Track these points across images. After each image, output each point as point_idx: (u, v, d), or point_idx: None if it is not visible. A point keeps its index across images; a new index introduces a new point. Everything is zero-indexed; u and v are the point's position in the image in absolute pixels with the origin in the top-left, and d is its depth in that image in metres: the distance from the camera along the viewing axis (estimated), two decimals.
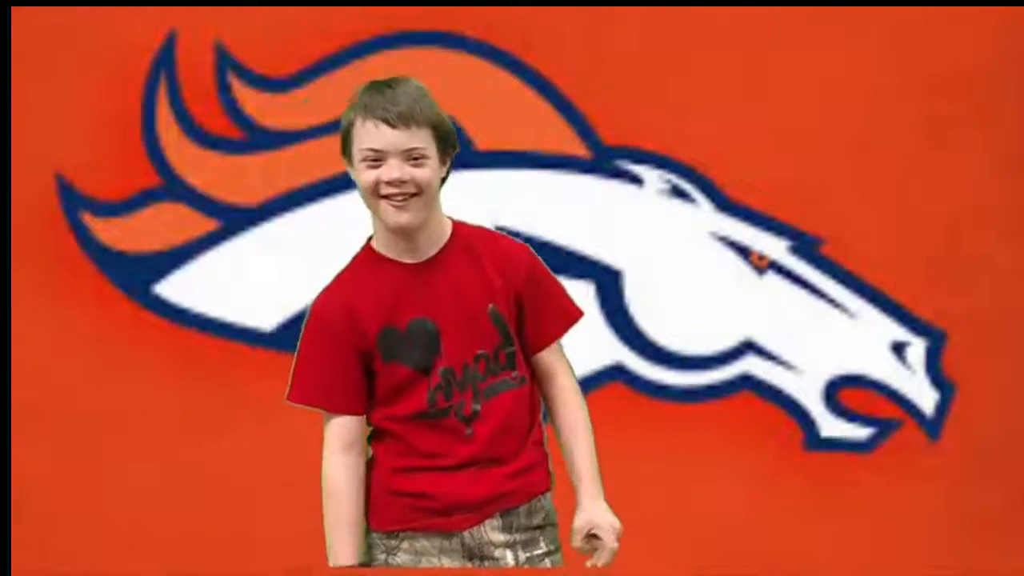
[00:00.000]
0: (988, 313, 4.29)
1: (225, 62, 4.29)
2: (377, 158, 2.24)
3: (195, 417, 4.26)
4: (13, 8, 4.22)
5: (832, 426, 4.30)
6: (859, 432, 4.31)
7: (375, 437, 2.37)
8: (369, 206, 2.29)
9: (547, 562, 2.34)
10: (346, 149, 2.31)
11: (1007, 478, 4.27)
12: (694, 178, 4.29)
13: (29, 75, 4.25)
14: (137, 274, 4.28)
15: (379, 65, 4.31)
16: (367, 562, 2.32)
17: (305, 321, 2.35)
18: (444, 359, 2.28)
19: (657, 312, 4.30)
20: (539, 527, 2.34)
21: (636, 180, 4.27)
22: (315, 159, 4.29)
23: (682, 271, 4.32)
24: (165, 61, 4.28)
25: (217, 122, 4.29)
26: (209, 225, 4.31)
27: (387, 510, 2.31)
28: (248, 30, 4.29)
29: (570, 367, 2.42)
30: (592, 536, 2.32)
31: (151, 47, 4.28)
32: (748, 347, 4.30)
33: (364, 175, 2.25)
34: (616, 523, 2.31)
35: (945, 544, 4.26)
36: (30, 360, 4.23)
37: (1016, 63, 4.28)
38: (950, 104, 4.27)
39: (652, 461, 4.22)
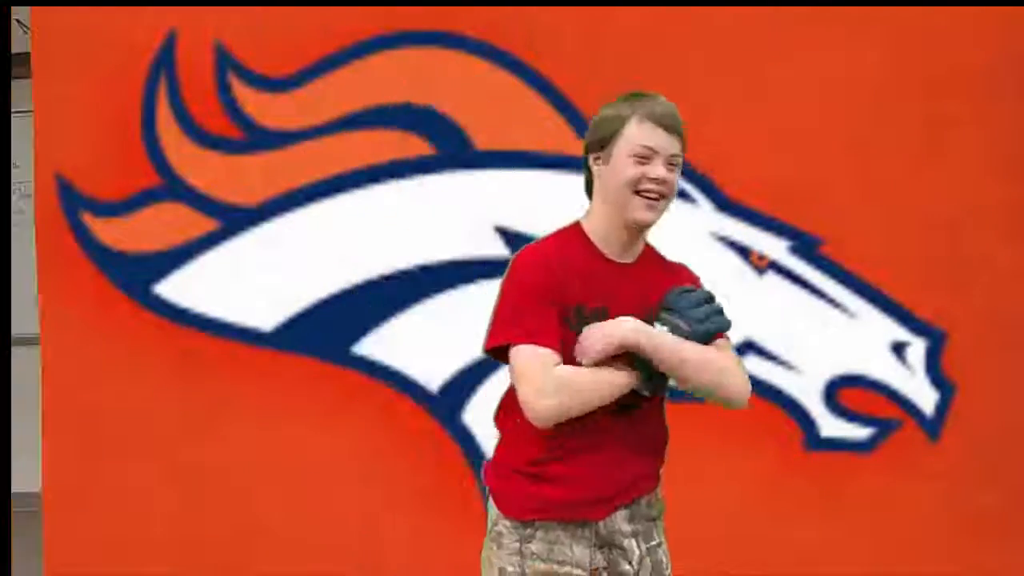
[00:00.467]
0: (988, 313, 4.29)
1: (225, 62, 4.30)
2: (647, 156, 2.44)
3: (195, 417, 4.27)
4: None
5: (832, 426, 4.31)
6: (859, 432, 4.31)
7: (502, 417, 2.51)
8: (617, 198, 2.45)
9: (659, 552, 2.50)
10: (604, 144, 2.48)
11: (1007, 478, 4.27)
12: (694, 178, 4.29)
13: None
14: (137, 274, 4.29)
15: (379, 65, 4.31)
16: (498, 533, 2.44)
17: (510, 273, 2.45)
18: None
19: None
20: (654, 519, 2.51)
21: None
22: (315, 159, 4.30)
23: None
24: (165, 61, 4.29)
25: (217, 122, 4.30)
26: (209, 225, 4.31)
27: (523, 500, 2.43)
28: (248, 30, 4.29)
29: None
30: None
31: (151, 47, 4.28)
32: (748, 347, 4.30)
33: (630, 170, 2.43)
34: (610, 332, 2.36)
35: (945, 544, 4.27)
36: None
37: (1016, 63, 4.28)
38: (950, 104, 4.27)
39: None
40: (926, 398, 4.30)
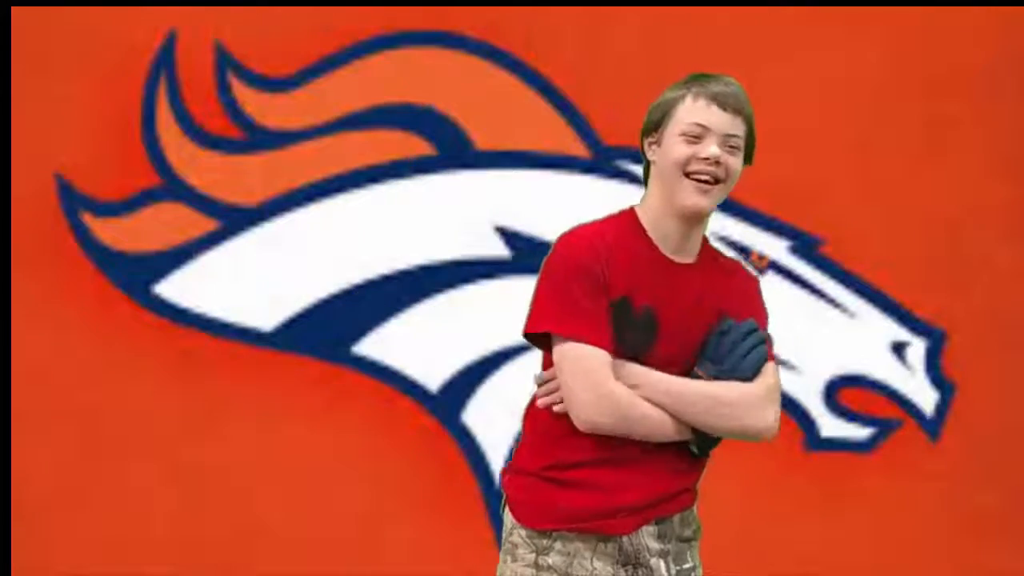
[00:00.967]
0: (988, 313, 4.29)
1: (225, 62, 4.29)
2: (699, 135, 2.22)
3: (195, 417, 4.26)
4: (13, 8, 4.22)
5: (832, 426, 4.30)
6: (859, 432, 4.31)
7: (530, 417, 2.27)
8: (667, 183, 2.24)
9: None
10: (658, 125, 2.28)
11: (1007, 478, 4.27)
12: None
13: (29, 75, 4.25)
14: (137, 274, 4.29)
15: (379, 65, 4.31)
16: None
17: (553, 254, 2.23)
18: (653, 358, 2.21)
19: None
20: (688, 540, 2.27)
21: (636, 180, 4.26)
22: (315, 159, 4.30)
23: None
24: (165, 61, 4.28)
25: (217, 122, 4.30)
26: (209, 225, 4.31)
27: (541, 508, 2.21)
28: (248, 30, 4.29)
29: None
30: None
31: (151, 47, 4.28)
32: None
33: (678, 148, 2.22)
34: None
35: (945, 544, 4.27)
36: (30, 360, 4.23)
37: (1016, 63, 4.28)
38: (950, 104, 4.27)
39: None
40: (926, 398, 4.30)
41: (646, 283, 2.21)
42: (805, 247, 4.31)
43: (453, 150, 4.28)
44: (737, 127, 2.25)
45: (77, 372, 4.26)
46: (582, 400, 2.14)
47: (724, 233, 4.29)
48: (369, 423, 4.27)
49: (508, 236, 4.23)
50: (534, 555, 2.19)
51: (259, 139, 4.31)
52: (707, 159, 2.21)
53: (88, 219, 4.27)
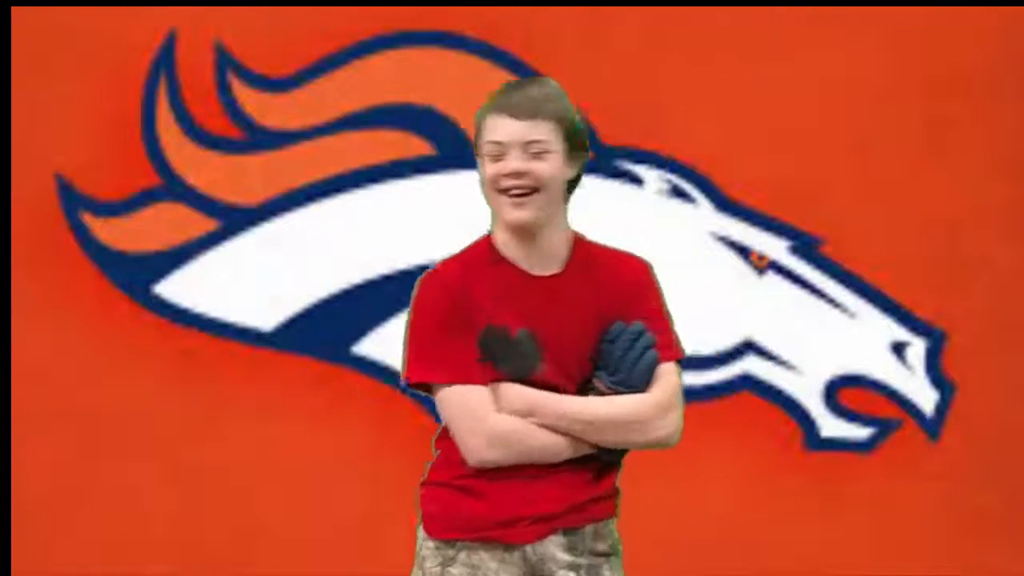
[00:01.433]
0: (988, 313, 4.29)
1: (225, 62, 4.29)
2: (500, 152, 2.16)
3: (195, 417, 4.26)
4: (13, 8, 4.22)
5: (832, 426, 4.30)
6: (859, 432, 4.31)
7: (443, 437, 2.26)
8: (490, 204, 2.22)
9: None
10: (477, 148, 2.22)
11: (1007, 478, 4.27)
12: (694, 178, 4.29)
13: (29, 75, 4.25)
14: (137, 274, 4.29)
15: (379, 65, 4.31)
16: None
17: (415, 301, 2.22)
18: (545, 378, 2.17)
19: None
20: (605, 554, 2.20)
21: (636, 180, 4.27)
22: (315, 159, 4.30)
23: (682, 271, 4.31)
24: (165, 61, 4.28)
25: (217, 122, 4.30)
26: (209, 225, 4.31)
27: (446, 517, 2.19)
28: (248, 30, 4.29)
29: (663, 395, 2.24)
30: None
31: (151, 47, 4.28)
32: (748, 347, 4.30)
33: (487, 167, 2.18)
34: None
35: (945, 544, 4.26)
36: (30, 360, 4.23)
37: (1016, 63, 4.28)
38: (950, 104, 4.27)
39: (652, 461, 4.21)
40: (926, 398, 4.30)
41: (514, 305, 2.17)
42: (805, 247, 4.31)
43: (453, 150, 4.28)
44: (537, 131, 2.16)
45: (77, 372, 4.26)
46: (472, 443, 2.15)
47: (724, 233, 4.29)
48: (369, 423, 4.27)
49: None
50: (440, 567, 2.17)
51: (259, 139, 4.31)
52: (511, 173, 2.15)
53: (88, 219, 4.27)
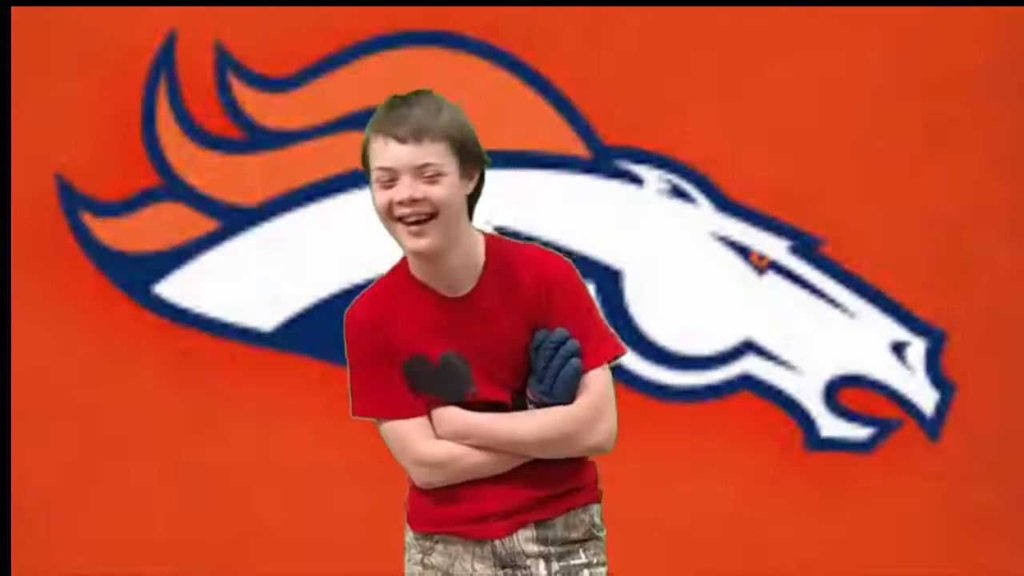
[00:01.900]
0: (988, 313, 4.29)
1: (225, 62, 4.29)
2: (391, 178, 2.09)
3: (195, 417, 4.26)
4: (13, 8, 4.22)
5: (832, 426, 4.30)
6: (859, 432, 4.31)
7: None
8: (388, 231, 2.16)
9: (585, 573, 2.21)
10: (366, 169, 2.15)
11: (1007, 478, 4.27)
12: (694, 178, 4.29)
13: (29, 75, 4.25)
14: (137, 274, 4.29)
15: (379, 65, 4.31)
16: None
17: (345, 339, 2.24)
18: (481, 396, 2.19)
19: (657, 312, 4.30)
20: (579, 541, 2.22)
21: (636, 180, 4.27)
22: (315, 159, 4.30)
23: (682, 271, 4.32)
24: (165, 61, 4.28)
25: (217, 122, 4.30)
26: (209, 225, 4.31)
27: (423, 511, 2.25)
28: (248, 30, 4.29)
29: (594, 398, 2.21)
30: None
31: (151, 47, 4.28)
32: (748, 347, 4.30)
33: (378, 195, 2.11)
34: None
35: (945, 544, 4.26)
36: (30, 360, 4.23)
37: (1016, 63, 4.28)
38: (950, 104, 4.27)
39: (652, 461, 4.22)
40: (926, 398, 4.30)
41: (435, 330, 2.16)
42: (805, 247, 4.31)
43: None
44: (427, 154, 2.09)
45: (77, 372, 4.26)
46: (413, 471, 2.24)
47: (724, 233, 4.29)
48: (369, 423, 4.26)
49: (508, 236, 4.23)
50: (420, 555, 2.25)
51: (259, 139, 4.31)
52: (403, 202, 2.09)
53: (88, 219, 4.27)
